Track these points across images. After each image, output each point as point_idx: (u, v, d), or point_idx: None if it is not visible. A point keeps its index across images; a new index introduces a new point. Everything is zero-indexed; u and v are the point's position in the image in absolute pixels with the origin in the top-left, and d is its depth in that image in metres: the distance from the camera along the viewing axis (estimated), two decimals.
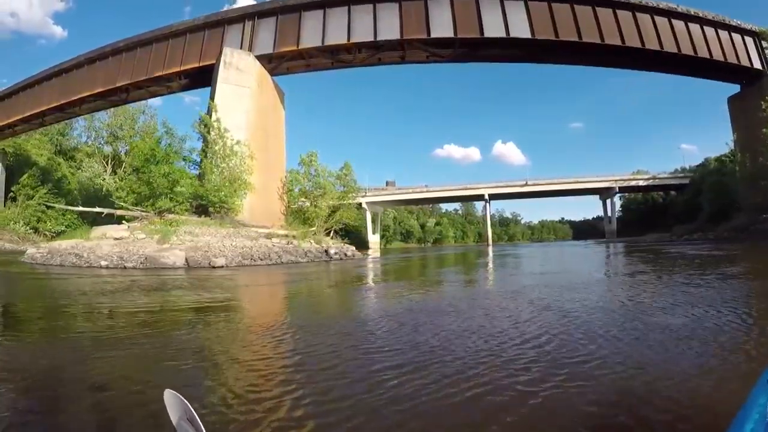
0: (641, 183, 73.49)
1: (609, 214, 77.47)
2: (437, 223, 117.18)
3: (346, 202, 36.71)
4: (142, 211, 26.80)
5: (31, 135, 53.98)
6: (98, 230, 25.78)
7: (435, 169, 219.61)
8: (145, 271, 18.26)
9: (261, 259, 21.90)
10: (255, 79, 32.16)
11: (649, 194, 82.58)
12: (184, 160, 30.50)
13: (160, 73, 35.69)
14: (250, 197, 29.44)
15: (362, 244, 74.32)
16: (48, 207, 44.97)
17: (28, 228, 47.04)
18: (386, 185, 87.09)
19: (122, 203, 28.42)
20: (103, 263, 20.32)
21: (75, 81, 40.28)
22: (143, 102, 53.71)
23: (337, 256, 26.08)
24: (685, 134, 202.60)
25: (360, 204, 72.60)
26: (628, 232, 73.32)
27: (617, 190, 73.14)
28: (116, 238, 23.57)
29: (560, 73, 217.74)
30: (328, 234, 34.49)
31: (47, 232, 45.58)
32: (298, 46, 32.54)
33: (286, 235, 26.84)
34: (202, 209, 27.67)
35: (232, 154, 28.39)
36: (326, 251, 26.13)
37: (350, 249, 29.20)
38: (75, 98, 40.13)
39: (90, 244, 23.39)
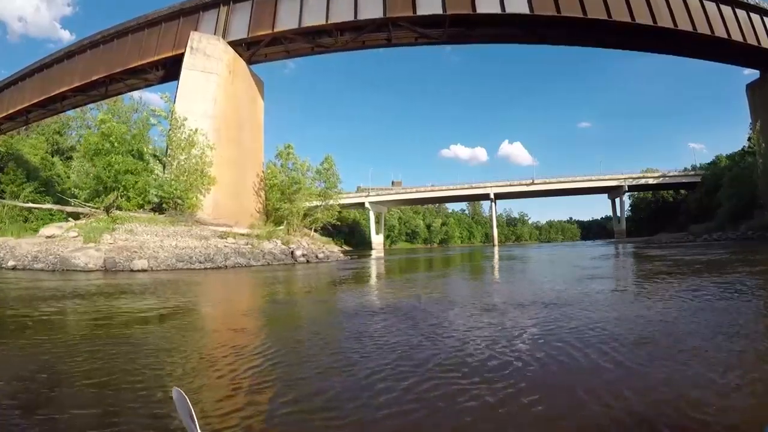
0: (651, 181, 67.87)
1: (618, 213, 72.40)
2: (443, 224, 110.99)
3: (328, 202, 31.77)
4: (92, 208, 23.03)
5: (28, 134, 51.30)
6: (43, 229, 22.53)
7: (442, 169, 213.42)
8: (51, 273, 15.27)
9: (200, 262, 17.67)
10: (225, 65, 28.08)
11: (659, 193, 76.94)
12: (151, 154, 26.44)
13: (135, 64, 32.15)
14: (216, 193, 25.28)
15: (366, 244, 70.40)
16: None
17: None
18: (392, 185, 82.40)
19: (76, 199, 24.85)
20: (11, 263, 17.30)
21: (55, 76, 37.11)
22: (138, 100, 50.26)
23: (304, 259, 21.63)
24: (693, 133, 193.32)
25: (362, 204, 68.71)
26: (638, 231, 68.50)
27: (626, 188, 67.71)
28: (47, 236, 20.26)
29: (567, 71, 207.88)
30: (315, 231, 30.36)
31: (33, 232, 42.06)
32: (273, 30, 28.47)
33: (248, 235, 22.51)
34: (158, 206, 23.68)
35: (190, 145, 24.15)
36: (292, 253, 21.71)
37: (325, 250, 24.85)
38: (55, 93, 37.02)
39: (14, 242, 20.04)
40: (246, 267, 18.32)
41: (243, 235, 22.35)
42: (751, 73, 35.66)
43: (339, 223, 36.80)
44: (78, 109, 47.94)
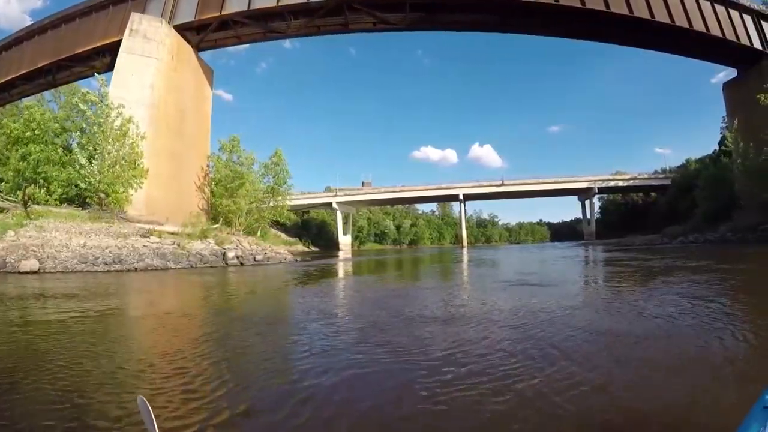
0: (621, 183, 66.06)
1: (588, 215, 70.47)
2: (413, 225, 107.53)
3: (276, 199, 28.74)
4: (12, 202, 19.98)
5: None
6: None
7: (412, 171, 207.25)
8: None
9: (106, 264, 14.74)
10: (168, 50, 25.18)
11: (629, 196, 75.38)
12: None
13: (81, 50, 29.45)
14: (151, 187, 22.27)
15: (334, 245, 67.50)
16: None
17: None
18: (362, 185, 79.13)
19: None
20: None
21: (2, 63, 33.94)
22: (97, 90, 47.01)
23: (237, 261, 18.69)
24: (659, 138, 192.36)
25: (330, 204, 65.64)
26: (607, 234, 66.52)
27: (596, 190, 65.81)
28: None
29: (538, 76, 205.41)
30: (285, 231, 27.53)
31: None
32: (221, 12, 25.77)
33: (178, 234, 19.52)
34: (83, 200, 20.76)
35: (122, 134, 21.09)
36: (224, 254, 18.76)
37: (268, 251, 21.93)
38: (1, 81, 33.60)
39: None
40: (162, 270, 15.47)
41: (172, 233, 19.37)
42: (718, 81, 34.08)
43: (288, 222, 33.77)
44: (35, 100, 44.54)
